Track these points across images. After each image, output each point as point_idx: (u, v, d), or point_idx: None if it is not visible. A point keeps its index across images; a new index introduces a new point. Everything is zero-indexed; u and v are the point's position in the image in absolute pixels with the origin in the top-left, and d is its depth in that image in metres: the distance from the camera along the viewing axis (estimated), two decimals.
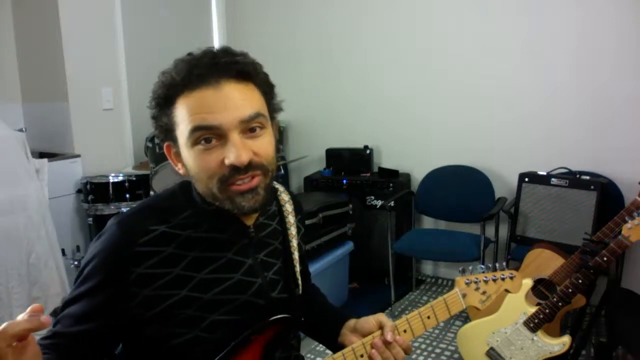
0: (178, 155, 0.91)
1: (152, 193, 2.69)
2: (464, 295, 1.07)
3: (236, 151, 0.83)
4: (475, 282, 1.08)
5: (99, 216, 2.75)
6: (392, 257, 3.01)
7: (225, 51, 0.88)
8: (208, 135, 0.83)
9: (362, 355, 0.97)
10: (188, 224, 0.90)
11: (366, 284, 3.32)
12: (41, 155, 2.79)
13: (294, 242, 1.05)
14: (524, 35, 3.01)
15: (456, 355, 2.48)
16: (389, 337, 0.96)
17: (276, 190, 1.08)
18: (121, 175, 2.85)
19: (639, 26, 2.70)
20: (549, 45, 2.95)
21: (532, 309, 1.89)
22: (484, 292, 1.08)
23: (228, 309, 0.90)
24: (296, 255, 1.04)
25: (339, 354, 0.97)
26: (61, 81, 2.91)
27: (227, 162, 0.83)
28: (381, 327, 0.99)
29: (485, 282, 1.09)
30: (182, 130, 0.86)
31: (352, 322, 1.04)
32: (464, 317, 2.77)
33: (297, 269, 1.04)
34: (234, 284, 0.91)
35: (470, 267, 1.10)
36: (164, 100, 0.87)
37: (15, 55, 3.08)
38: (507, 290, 1.12)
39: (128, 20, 3.25)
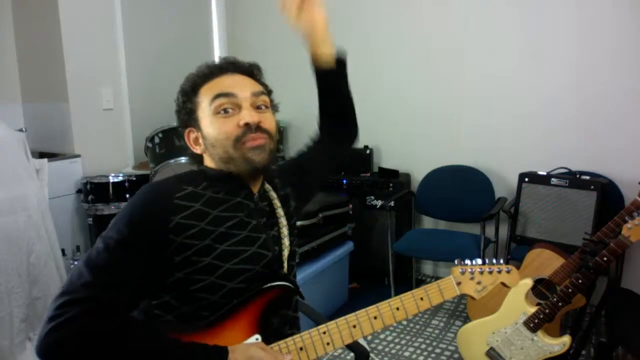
0: (197, 138, 1.11)
1: None
2: (458, 283, 1.12)
3: (249, 113, 1.06)
4: (471, 272, 1.13)
5: (99, 216, 2.75)
6: (392, 257, 3.01)
7: (236, 58, 1.17)
8: (226, 104, 1.06)
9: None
10: (209, 188, 1.07)
11: (366, 284, 3.32)
12: (41, 155, 2.79)
13: (280, 212, 1.17)
14: (524, 35, 3.01)
15: (456, 355, 2.48)
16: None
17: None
18: (121, 175, 2.85)
19: (639, 26, 2.70)
20: (549, 45, 2.95)
21: (532, 309, 1.89)
22: (479, 282, 1.12)
23: (241, 259, 1.04)
24: (286, 241, 1.16)
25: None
26: (61, 81, 2.91)
27: (241, 122, 1.05)
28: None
29: (481, 273, 1.13)
30: (205, 106, 1.08)
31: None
32: (464, 317, 2.77)
33: (285, 253, 1.15)
34: (244, 238, 1.07)
35: (467, 261, 1.14)
36: (190, 89, 1.10)
37: (15, 55, 3.08)
38: (504, 284, 1.14)
39: (128, 20, 3.25)
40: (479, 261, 1.15)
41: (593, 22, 2.81)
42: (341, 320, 1.06)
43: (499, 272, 1.14)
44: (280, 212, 1.18)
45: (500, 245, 2.99)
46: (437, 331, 2.75)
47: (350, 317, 1.06)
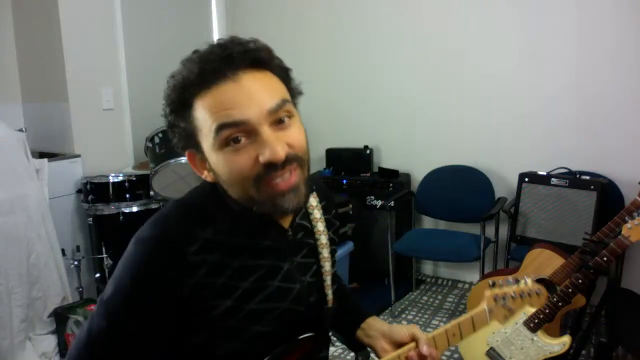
0: (203, 161, 0.84)
1: (152, 193, 2.69)
2: (489, 312, 1.02)
3: (271, 147, 0.76)
4: (504, 299, 1.03)
5: (99, 216, 2.75)
6: (392, 257, 3.00)
7: (234, 41, 0.80)
8: (236, 133, 0.77)
9: None
10: (228, 230, 0.84)
11: (366, 284, 3.31)
12: (41, 155, 2.79)
13: (323, 239, 0.98)
14: (524, 35, 3.01)
15: (456, 355, 2.48)
16: (424, 350, 0.94)
17: None
18: (121, 175, 2.85)
19: (639, 26, 2.70)
20: (549, 45, 2.95)
21: (532, 309, 1.88)
22: (509, 309, 1.04)
23: (269, 319, 0.86)
24: (327, 267, 0.98)
25: None
26: (61, 81, 2.91)
27: (262, 159, 0.76)
28: (413, 340, 0.97)
29: (513, 298, 1.04)
30: (206, 133, 0.79)
31: (384, 327, 1.03)
32: None
33: (327, 268, 0.98)
34: (274, 292, 0.87)
35: (500, 281, 1.04)
36: (179, 104, 0.80)
37: (15, 55, 3.08)
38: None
39: (128, 20, 3.25)
40: (511, 280, 1.05)
41: (593, 22, 2.81)
42: None
43: (530, 294, 1.04)
44: (316, 215, 0.98)
45: (500, 245, 2.98)
46: None
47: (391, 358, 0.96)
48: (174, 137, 0.85)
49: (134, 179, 2.80)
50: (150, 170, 2.63)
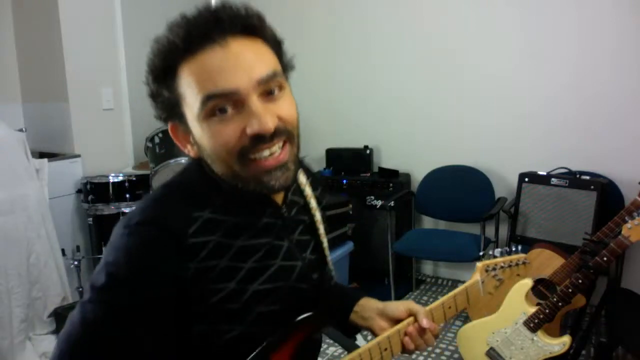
0: (187, 134, 0.79)
1: (159, 187, 2.68)
2: (482, 282, 1.04)
3: (260, 117, 0.71)
4: (494, 269, 1.06)
5: (99, 216, 2.75)
6: (392, 257, 3.00)
7: (225, 5, 0.75)
8: (223, 103, 0.71)
9: (385, 349, 0.94)
10: (225, 209, 0.79)
11: (366, 284, 3.31)
12: (41, 155, 2.79)
13: (317, 215, 0.96)
14: (524, 35, 3.01)
15: (456, 355, 2.48)
16: (424, 323, 0.94)
17: None
18: (121, 175, 2.85)
19: (639, 26, 2.70)
20: (549, 45, 2.94)
21: (532, 309, 1.89)
22: (499, 279, 1.06)
23: (273, 299, 0.81)
24: (322, 229, 0.96)
25: (365, 348, 0.93)
26: (61, 81, 2.91)
27: (249, 131, 0.72)
28: (411, 315, 0.96)
29: (502, 268, 1.07)
30: (191, 102, 0.73)
31: (379, 305, 1.00)
32: (464, 317, 2.77)
33: (325, 244, 0.97)
34: (276, 271, 0.82)
35: (490, 252, 1.09)
36: (163, 71, 0.76)
37: (15, 55, 3.08)
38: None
39: (128, 20, 3.25)
40: (498, 254, 1.11)
41: (593, 22, 2.81)
42: (373, 345, 0.93)
43: (517, 264, 1.09)
44: (308, 191, 0.96)
45: (500, 245, 2.98)
46: None
47: (382, 338, 0.94)
48: (156, 108, 0.80)
49: (134, 179, 2.81)
50: (150, 170, 2.63)
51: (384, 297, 3.12)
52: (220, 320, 0.77)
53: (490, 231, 2.86)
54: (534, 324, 1.88)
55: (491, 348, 1.94)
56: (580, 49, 2.86)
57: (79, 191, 2.90)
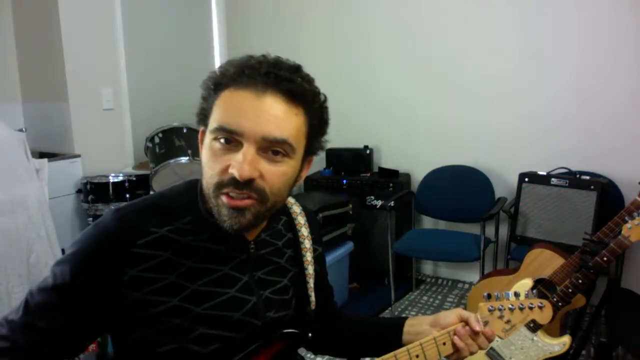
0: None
1: (152, 193, 2.68)
2: (485, 323, 0.99)
3: (240, 163, 0.77)
4: (500, 310, 1.00)
5: (99, 216, 2.73)
6: (392, 257, 3.01)
7: (283, 64, 0.84)
8: (229, 137, 0.79)
9: (417, 356, 0.95)
10: (189, 230, 0.86)
11: (366, 284, 3.32)
12: (41, 155, 2.79)
13: (308, 257, 1.01)
14: (524, 35, 3.01)
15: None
16: (477, 327, 0.96)
17: (285, 204, 1.03)
18: (121, 175, 2.85)
19: (639, 26, 2.70)
20: (549, 45, 2.95)
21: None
22: (508, 321, 1.00)
23: (219, 325, 0.86)
24: (310, 270, 1.01)
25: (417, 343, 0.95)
26: (61, 81, 2.91)
27: (229, 169, 0.78)
28: (462, 320, 0.98)
29: (511, 310, 1.00)
30: (212, 121, 0.82)
31: (430, 318, 1.03)
32: None
33: (310, 284, 1.01)
34: (227, 300, 0.88)
35: (497, 293, 1.01)
36: (213, 86, 0.84)
37: (15, 55, 3.08)
38: (534, 321, 1.04)
39: (128, 20, 3.25)
40: (510, 295, 1.01)
41: (593, 22, 2.81)
42: (413, 346, 0.95)
43: (531, 308, 1.01)
44: (304, 232, 1.02)
45: (500, 245, 2.98)
46: None
47: (414, 346, 0.95)
48: (198, 110, 0.88)
49: (134, 179, 2.80)
50: (150, 170, 2.63)
51: (384, 297, 3.15)
52: (160, 332, 0.83)
53: (490, 231, 2.86)
54: (534, 324, 1.88)
55: (491, 348, 1.94)
56: (580, 49, 2.86)
57: (79, 191, 2.90)
